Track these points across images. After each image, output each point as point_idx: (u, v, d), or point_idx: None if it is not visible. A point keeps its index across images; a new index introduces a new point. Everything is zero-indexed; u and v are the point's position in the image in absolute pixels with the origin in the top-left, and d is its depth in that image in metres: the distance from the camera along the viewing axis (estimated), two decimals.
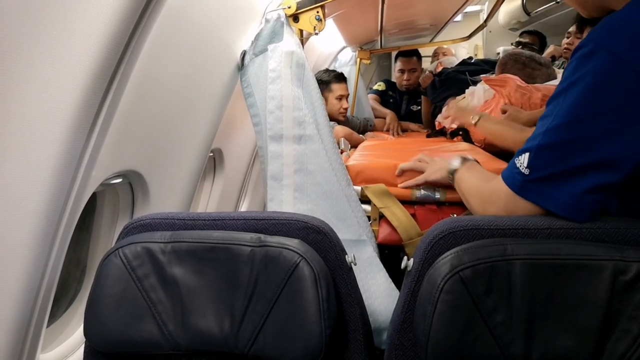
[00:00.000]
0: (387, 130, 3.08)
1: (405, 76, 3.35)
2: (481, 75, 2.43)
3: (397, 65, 3.44)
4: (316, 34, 1.51)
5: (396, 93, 3.56)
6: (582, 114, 0.72)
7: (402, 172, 1.46)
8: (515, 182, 0.80)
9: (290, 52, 1.42)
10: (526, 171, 0.78)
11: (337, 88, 2.55)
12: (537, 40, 3.46)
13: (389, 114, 3.21)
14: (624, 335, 0.67)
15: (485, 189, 0.95)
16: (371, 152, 1.89)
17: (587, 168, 0.73)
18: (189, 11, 1.14)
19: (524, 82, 1.74)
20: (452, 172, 1.19)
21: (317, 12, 1.46)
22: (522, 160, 0.78)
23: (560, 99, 0.75)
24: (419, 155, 1.46)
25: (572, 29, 2.70)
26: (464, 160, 1.19)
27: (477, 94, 1.94)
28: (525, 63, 1.92)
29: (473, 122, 1.67)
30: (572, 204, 0.75)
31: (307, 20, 1.47)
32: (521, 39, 3.47)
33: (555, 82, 1.77)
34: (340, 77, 2.59)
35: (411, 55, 3.33)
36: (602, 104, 0.71)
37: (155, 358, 0.84)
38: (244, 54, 1.49)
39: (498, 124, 1.61)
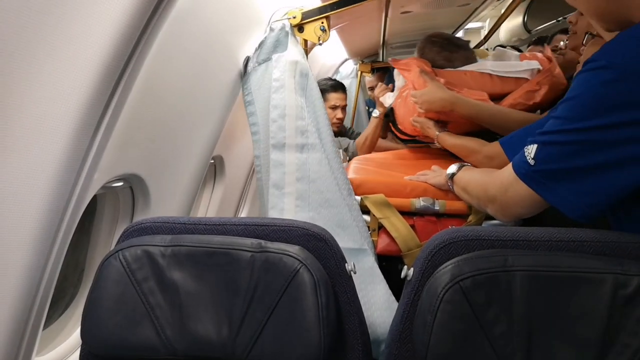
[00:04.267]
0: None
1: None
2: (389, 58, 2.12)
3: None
4: (320, 44, 1.52)
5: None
6: (589, 122, 0.76)
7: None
8: (521, 169, 0.87)
9: (295, 62, 1.43)
10: (532, 162, 0.83)
11: (332, 97, 2.54)
12: None
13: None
14: (624, 350, 0.67)
15: (487, 176, 1.05)
16: (368, 166, 1.88)
17: (589, 170, 0.76)
18: (195, 17, 1.15)
19: (429, 66, 1.65)
20: (451, 176, 1.33)
21: (322, 22, 1.48)
22: (530, 151, 0.84)
23: (572, 102, 0.79)
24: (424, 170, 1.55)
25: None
26: (462, 165, 1.34)
27: (398, 82, 1.89)
28: (442, 45, 1.81)
29: (435, 135, 1.62)
30: (569, 199, 0.79)
31: (312, 30, 1.49)
32: None
33: (473, 68, 1.68)
34: (337, 87, 2.57)
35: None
36: (608, 116, 0.73)
37: None
38: (247, 60, 1.50)
39: (458, 139, 1.55)
